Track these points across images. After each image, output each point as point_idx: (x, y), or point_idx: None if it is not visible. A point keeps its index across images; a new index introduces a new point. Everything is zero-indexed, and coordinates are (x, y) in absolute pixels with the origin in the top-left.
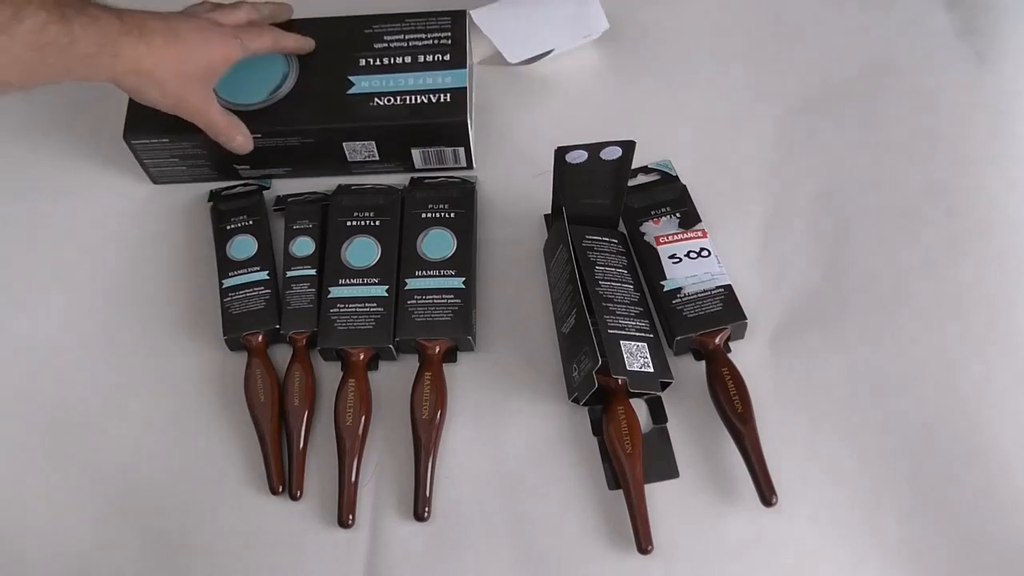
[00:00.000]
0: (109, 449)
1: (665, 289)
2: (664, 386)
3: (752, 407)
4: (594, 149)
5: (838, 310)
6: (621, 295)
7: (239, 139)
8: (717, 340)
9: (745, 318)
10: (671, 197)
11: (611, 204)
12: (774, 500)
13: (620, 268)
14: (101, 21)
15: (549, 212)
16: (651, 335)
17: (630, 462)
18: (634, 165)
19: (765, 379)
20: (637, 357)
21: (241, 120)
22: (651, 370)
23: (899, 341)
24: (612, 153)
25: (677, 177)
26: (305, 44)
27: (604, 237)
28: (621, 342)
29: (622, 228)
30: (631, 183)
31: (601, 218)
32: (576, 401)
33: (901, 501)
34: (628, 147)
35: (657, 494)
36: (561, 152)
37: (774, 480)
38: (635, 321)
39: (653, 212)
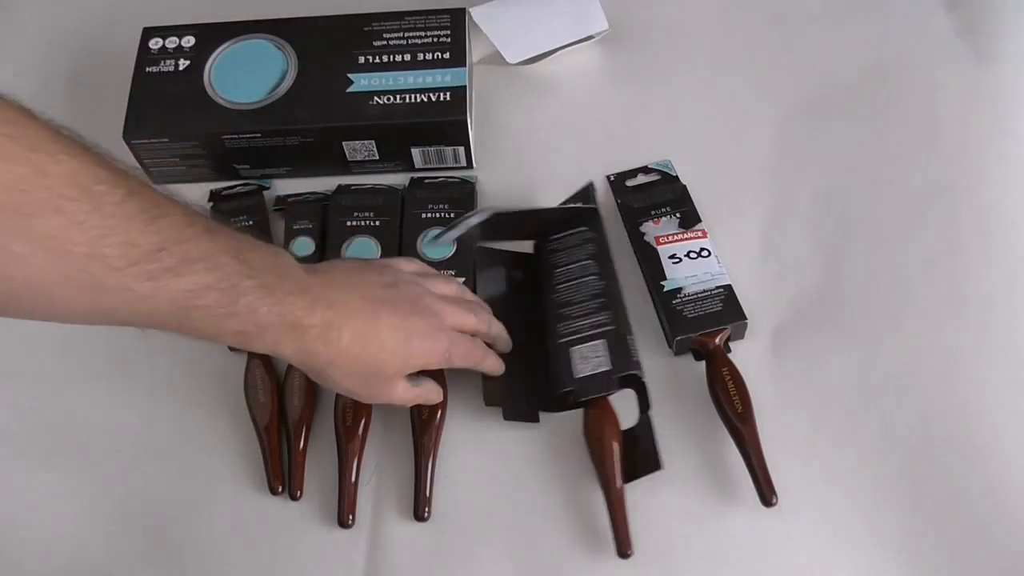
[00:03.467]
0: (109, 449)
1: (665, 289)
2: (627, 380)
3: (752, 407)
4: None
5: (838, 310)
6: (582, 293)
7: (435, 397)
8: (717, 340)
9: (745, 318)
10: (671, 197)
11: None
12: (774, 500)
13: (583, 260)
14: (282, 305)
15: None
16: (611, 327)
17: (606, 466)
18: (635, 165)
19: (765, 379)
20: (589, 360)
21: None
22: (607, 368)
23: (899, 341)
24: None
25: (677, 177)
26: (499, 367)
27: (571, 230)
28: (570, 349)
29: (620, 221)
30: (631, 183)
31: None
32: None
33: (901, 501)
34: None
35: (655, 494)
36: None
37: (774, 480)
38: (593, 318)
39: (653, 212)
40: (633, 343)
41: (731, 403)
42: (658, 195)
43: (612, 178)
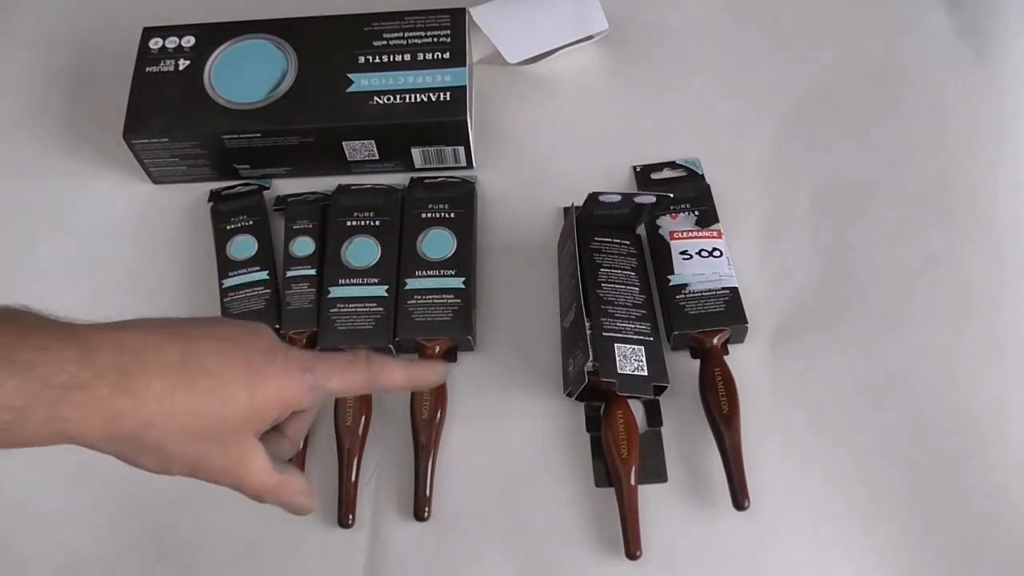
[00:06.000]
0: None
1: (671, 284)
2: (659, 390)
3: (739, 410)
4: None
5: (839, 311)
6: (624, 298)
7: (302, 500)
8: (715, 340)
9: (746, 322)
10: (692, 194)
11: (630, 213)
12: (746, 504)
13: (627, 270)
14: (48, 352)
15: (563, 206)
16: (651, 339)
17: (624, 466)
18: (653, 161)
19: (765, 381)
20: (631, 360)
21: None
22: (644, 374)
23: (900, 342)
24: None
25: (703, 176)
26: (427, 376)
27: (615, 239)
28: (615, 345)
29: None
30: (656, 176)
31: (616, 218)
32: (570, 395)
33: (900, 504)
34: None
35: (652, 495)
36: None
37: (774, 483)
38: (635, 324)
39: (672, 207)
40: (664, 360)
41: (718, 404)
42: (680, 191)
43: (638, 169)
